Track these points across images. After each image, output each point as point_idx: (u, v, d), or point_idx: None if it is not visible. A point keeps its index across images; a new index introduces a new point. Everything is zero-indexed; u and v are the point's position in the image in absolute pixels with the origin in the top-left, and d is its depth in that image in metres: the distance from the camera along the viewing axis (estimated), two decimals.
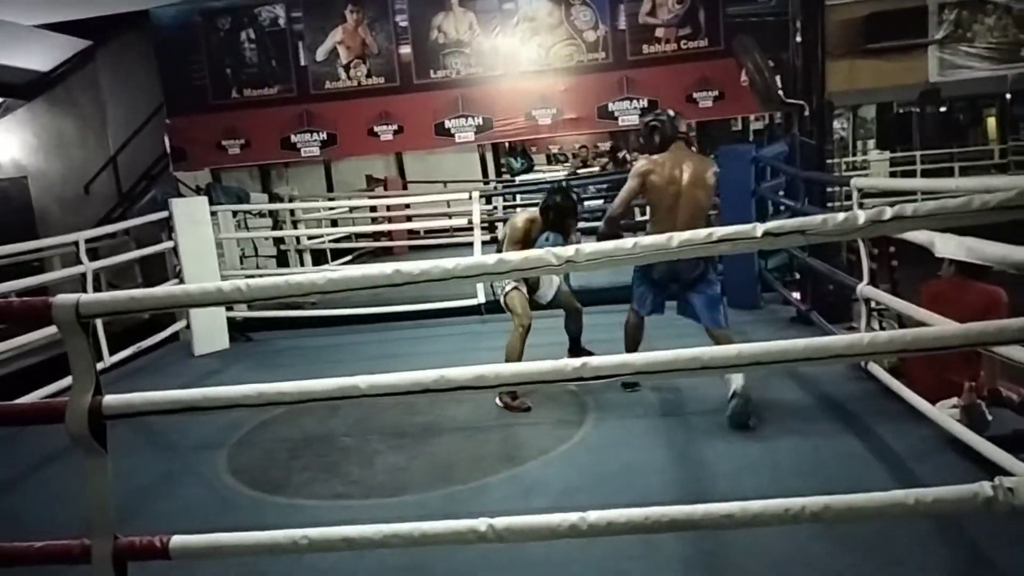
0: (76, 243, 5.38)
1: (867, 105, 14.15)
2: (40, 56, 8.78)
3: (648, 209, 4.43)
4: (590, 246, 1.72)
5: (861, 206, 3.95)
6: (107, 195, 9.12)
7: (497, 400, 4.12)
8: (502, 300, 4.28)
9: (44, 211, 9.40)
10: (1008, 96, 12.05)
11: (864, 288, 3.92)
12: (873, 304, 3.99)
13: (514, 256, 1.76)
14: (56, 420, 1.81)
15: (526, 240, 4.20)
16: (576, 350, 4.53)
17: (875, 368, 3.84)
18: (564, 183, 4.74)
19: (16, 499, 3.61)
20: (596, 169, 12.68)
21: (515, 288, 4.24)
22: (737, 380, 3.58)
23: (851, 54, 7.40)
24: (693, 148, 4.37)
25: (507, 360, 3.99)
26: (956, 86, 8.51)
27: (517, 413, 4.05)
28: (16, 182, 9.42)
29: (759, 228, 1.64)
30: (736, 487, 2.94)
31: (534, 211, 4.33)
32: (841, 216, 1.62)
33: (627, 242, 1.70)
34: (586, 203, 10.57)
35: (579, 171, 12.78)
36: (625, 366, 1.74)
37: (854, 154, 14.49)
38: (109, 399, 1.80)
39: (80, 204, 9.12)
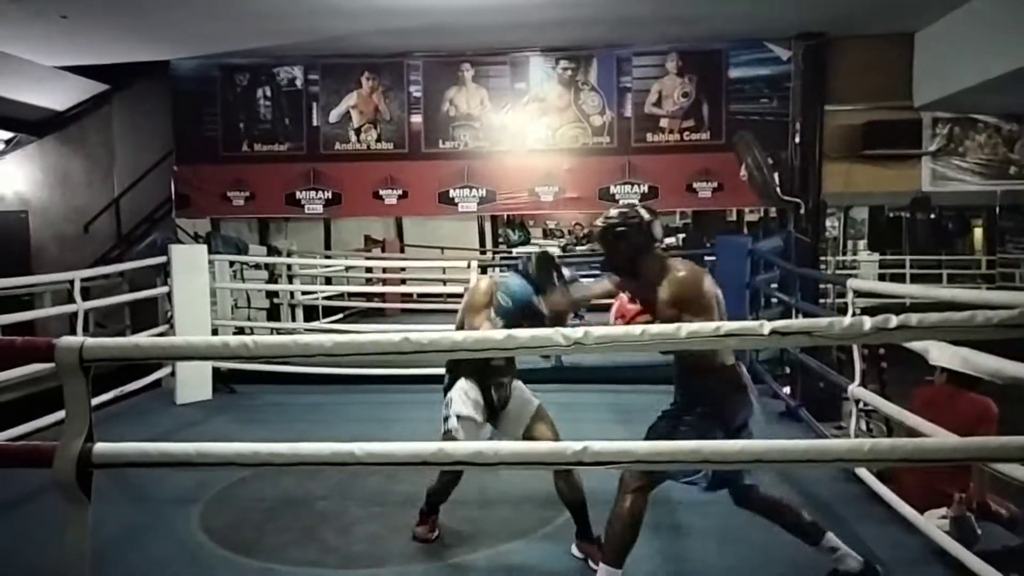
0: (71, 282, 5.35)
1: (859, 207, 14.50)
2: (56, 95, 8.95)
3: None
4: (599, 330, 1.73)
5: (855, 306, 4.00)
6: (106, 235, 9.14)
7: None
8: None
9: (41, 247, 9.39)
10: (996, 209, 12.43)
11: (855, 389, 3.93)
12: (863, 405, 4.00)
13: (523, 334, 1.77)
14: (43, 464, 1.77)
15: (489, 306, 3.15)
16: (585, 533, 3.23)
17: (863, 471, 3.82)
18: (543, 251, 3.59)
19: None
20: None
21: (466, 418, 3.14)
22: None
23: (848, 158, 7.65)
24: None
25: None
26: (947, 196, 8.77)
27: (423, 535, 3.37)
28: (15, 215, 9.44)
29: (767, 326, 1.66)
30: None
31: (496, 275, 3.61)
32: (847, 321, 1.65)
33: (636, 329, 1.72)
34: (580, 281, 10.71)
35: (576, 247, 12.96)
36: (626, 454, 1.73)
37: (844, 253, 14.76)
38: (100, 447, 1.77)
39: (78, 242, 9.12)
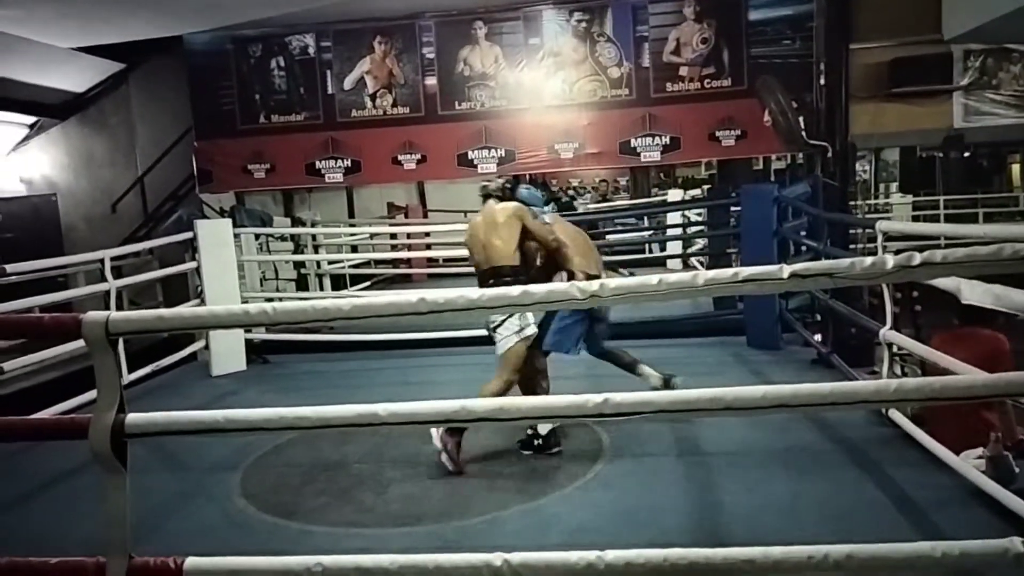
0: (101, 261, 5.46)
1: (890, 148, 14.12)
2: (75, 77, 9.00)
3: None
4: (614, 281, 1.72)
5: (885, 250, 3.92)
6: (133, 214, 9.26)
7: (436, 441, 3.66)
8: (501, 345, 3.76)
9: (71, 228, 9.56)
10: None
11: (887, 332, 3.87)
12: (896, 349, 3.94)
13: (539, 289, 1.76)
14: (79, 436, 1.82)
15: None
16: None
17: (896, 415, 3.78)
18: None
19: (30, 514, 3.62)
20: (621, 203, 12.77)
21: (523, 340, 3.75)
22: (654, 378, 4.07)
23: (876, 98, 7.40)
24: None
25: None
26: (980, 132, 8.48)
27: (452, 466, 3.66)
28: (45, 199, 9.60)
29: (786, 269, 1.63)
30: (755, 531, 2.88)
31: (506, 205, 3.89)
32: (869, 260, 1.62)
33: (652, 278, 1.70)
34: (608, 237, 10.63)
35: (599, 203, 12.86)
36: (647, 404, 1.73)
37: (876, 197, 14.43)
38: (132, 418, 1.81)
39: (107, 222, 9.25)
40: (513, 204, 3.93)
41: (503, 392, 3.72)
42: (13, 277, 5.07)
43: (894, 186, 15.12)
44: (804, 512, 3.08)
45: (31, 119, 9.42)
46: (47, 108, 9.26)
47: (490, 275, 3.79)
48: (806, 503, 3.16)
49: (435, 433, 3.63)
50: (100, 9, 7.17)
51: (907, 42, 7.35)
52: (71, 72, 8.84)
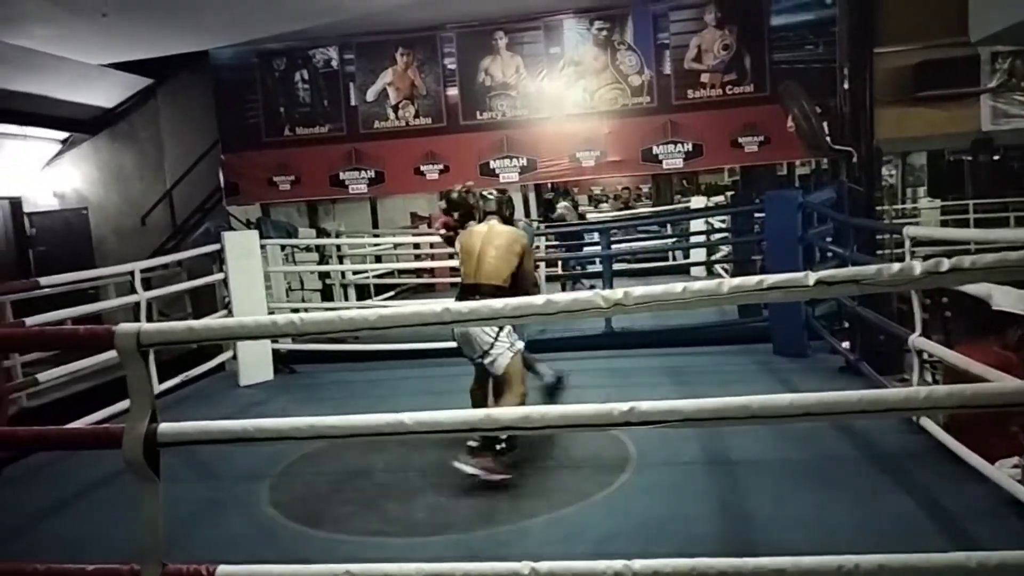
0: (132, 273, 5.55)
1: (917, 152, 13.92)
2: (105, 93, 9.20)
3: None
4: (640, 289, 1.72)
5: (913, 255, 3.88)
6: (162, 227, 9.41)
7: (465, 466, 3.59)
8: (500, 363, 3.75)
9: (102, 241, 9.74)
10: None
11: (916, 339, 3.82)
12: (926, 356, 3.88)
13: (562, 297, 1.77)
14: (113, 446, 1.85)
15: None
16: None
17: (928, 423, 3.72)
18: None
19: (66, 521, 3.69)
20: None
21: (516, 353, 3.80)
22: (547, 375, 4.15)
23: (901, 101, 7.31)
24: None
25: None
26: (1010, 135, 8.33)
27: (494, 479, 3.61)
28: (77, 212, 9.80)
29: (812, 276, 1.62)
30: (784, 541, 2.86)
31: (518, 233, 3.98)
32: (896, 266, 1.60)
33: (677, 286, 1.70)
34: (632, 245, 10.61)
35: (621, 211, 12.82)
36: (673, 413, 1.72)
37: (903, 202, 14.23)
38: (164, 427, 1.84)
39: (136, 235, 9.42)
40: (523, 234, 4.03)
41: (520, 405, 3.72)
42: (47, 289, 5.17)
43: (922, 190, 14.90)
44: (833, 522, 3.04)
45: (63, 135, 9.63)
46: (79, 123, 9.46)
47: (476, 290, 3.77)
48: (835, 513, 3.13)
49: (469, 468, 3.57)
50: (128, 26, 7.32)
51: (933, 45, 7.25)
52: (102, 88, 9.04)
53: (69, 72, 8.24)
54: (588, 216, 12.57)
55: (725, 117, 7.86)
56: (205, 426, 1.87)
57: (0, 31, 7.02)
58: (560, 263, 10.02)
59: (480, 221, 4.07)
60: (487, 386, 4.04)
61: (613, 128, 8.05)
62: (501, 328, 3.70)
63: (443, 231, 4.39)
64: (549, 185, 12.65)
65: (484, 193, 4.17)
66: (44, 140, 9.53)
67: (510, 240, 3.87)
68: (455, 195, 4.29)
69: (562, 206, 11.05)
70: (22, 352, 6.00)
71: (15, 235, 9.81)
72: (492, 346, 3.72)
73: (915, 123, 7.42)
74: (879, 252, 6.51)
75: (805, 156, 8.65)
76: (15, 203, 9.80)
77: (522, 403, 3.75)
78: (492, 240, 3.86)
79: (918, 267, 1.56)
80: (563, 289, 9.18)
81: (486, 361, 3.77)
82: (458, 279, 4.02)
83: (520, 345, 3.84)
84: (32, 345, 4.83)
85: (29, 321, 4.59)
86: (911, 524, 2.96)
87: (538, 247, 9.76)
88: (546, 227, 9.88)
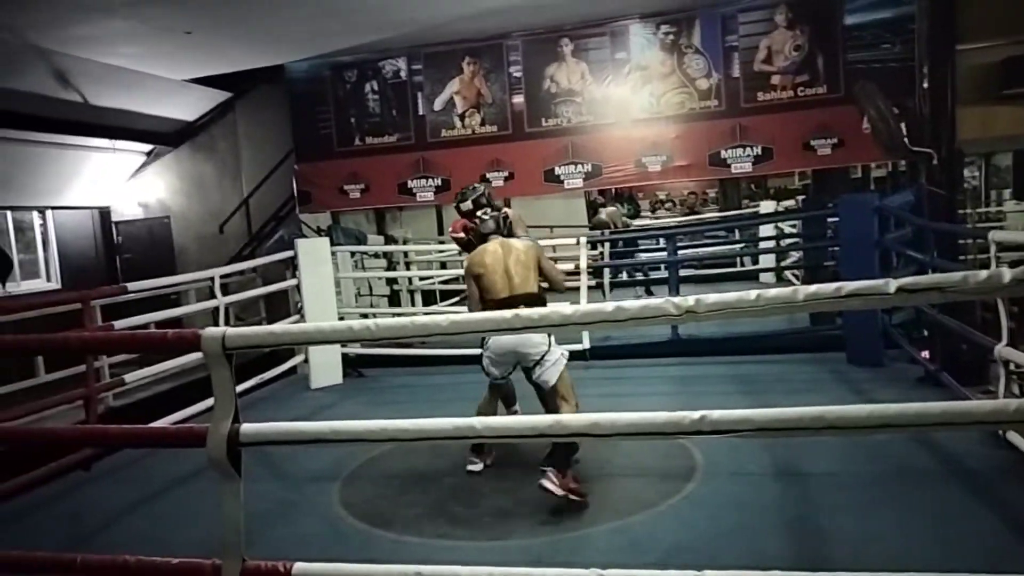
0: (212, 279, 5.79)
1: (1002, 153, 13.26)
2: (187, 107, 9.65)
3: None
4: (712, 297, 1.70)
5: (999, 261, 3.70)
6: (239, 234, 9.79)
7: (548, 483, 3.39)
8: (551, 373, 3.72)
9: (183, 248, 10.19)
10: None
11: (1003, 349, 3.64)
12: (1013, 367, 3.70)
13: (632, 305, 1.76)
14: (198, 444, 1.94)
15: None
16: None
17: (1016, 437, 3.54)
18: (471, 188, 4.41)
19: (151, 516, 3.87)
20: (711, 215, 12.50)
21: (564, 364, 3.81)
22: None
23: (985, 100, 6.99)
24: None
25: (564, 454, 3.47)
26: None
27: (574, 499, 3.43)
28: (159, 221, 10.29)
29: (893, 284, 1.58)
30: (859, 556, 2.76)
31: (530, 244, 3.99)
32: (984, 273, 1.54)
33: (751, 293, 1.67)
34: (700, 251, 10.43)
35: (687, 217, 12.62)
36: (745, 422, 1.70)
37: (987, 205, 13.57)
38: (246, 427, 1.92)
39: (215, 242, 9.83)
40: (532, 242, 4.06)
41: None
42: (133, 294, 5.44)
43: (1007, 192, 14.18)
44: (912, 540, 2.92)
45: (148, 147, 10.14)
46: (162, 136, 9.95)
47: (512, 303, 3.76)
48: (915, 530, 3.00)
49: (552, 486, 3.43)
50: (210, 42, 7.66)
51: (1019, 40, 6.92)
52: (184, 102, 9.48)
53: (154, 88, 8.68)
54: (638, 224, 12.27)
55: (796, 119, 7.67)
56: (284, 427, 1.94)
57: (91, 50, 7.45)
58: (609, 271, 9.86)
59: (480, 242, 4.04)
60: (496, 404, 4.10)
61: (680, 132, 7.96)
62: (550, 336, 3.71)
63: (461, 235, 4.38)
64: (613, 191, 12.57)
65: (480, 215, 4.12)
66: (130, 152, 10.05)
67: (526, 250, 3.92)
68: (494, 225, 4.05)
69: (608, 211, 10.84)
70: (111, 354, 6.32)
71: (104, 243, 10.36)
72: (547, 353, 3.71)
73: (1001, 122, 7.08)
74: (961, 258, 6.24)
75: (881, 159, 8.37)
76: (104, 213, 10.35)
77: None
78: (510, 254, 3.89)
79: (1007, 274, 1.50)
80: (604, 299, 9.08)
81: (537, 373, 3.75)
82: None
83: (566, 355, 3.83)
84: (124, 348, 5.10)
85: (117, 324, 4.84)
86: (998, 543, 2.82)
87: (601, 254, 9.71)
88: (611, 232, 9.79)
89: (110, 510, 3.93)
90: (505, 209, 4.40)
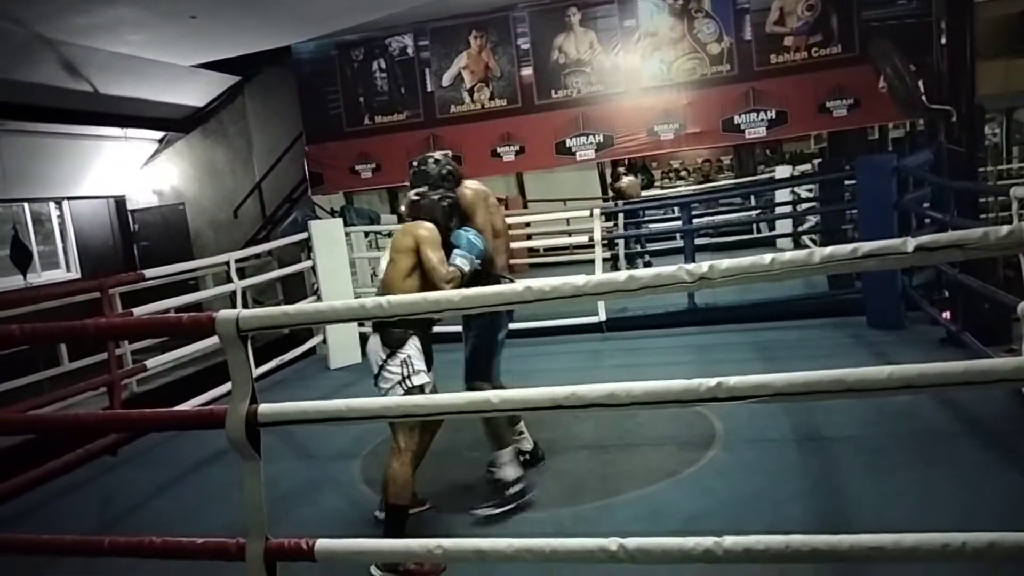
0: (227, 263, 5.83)
1: None
2: (196, 92, 9.64)
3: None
4: (726, 262, 1.67)
5: (1021, 218, 3.63)
6: (253, 218, 9.83)
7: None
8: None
9: (199, 234, 10.25)
10: None
11: None
12: None
13: (645, 273, 1.74)
14: (217, 426, 1.96)
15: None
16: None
17: None
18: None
19: (176, 497, 3.94)
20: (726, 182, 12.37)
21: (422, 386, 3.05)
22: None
23: (1007, 54, 6.82)
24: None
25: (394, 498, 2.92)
26: None
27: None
28: (174, 208, 10.35)
29: (910, 243, 1.54)
30: (882, 519, 2.76)
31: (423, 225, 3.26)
32: (1005, 229, 1.50)
33: (765, 258, 1.64)
34: (715, 218, 10.35)
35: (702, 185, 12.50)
36: (763, 387, 1.68)
37: (1009, 162, 13.31)
38: (264, 407, 1.93)
39: (230, 227, 9.88)
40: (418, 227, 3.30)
41: (410, 465, 3.13)
42: (151, 281, 5.49)
43: None
44: (937, 500, 2.91)
45: (160, 134, 10.16)
46: (173, 123, 9.96)
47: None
48: (939, 490, 2.99)
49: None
50: (215, 27, 7.63)
51: None
52: (193, 88, 9.47)
53: (162, 74, 8.67)
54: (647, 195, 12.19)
55: (811, 81, 7.52)
56: (302, 406, 1.95)
57: (98, 39, 7.45)
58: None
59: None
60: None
61: (692, 99, 7.84)
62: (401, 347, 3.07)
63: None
64: (626, 161, 12.46)
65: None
66: (142, 140, 10.08)
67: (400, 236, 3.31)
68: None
69: (628, 180, 10.77)
70: (132, 340, 6.40)
71: (121, 231, 10.44)
72: (383, 369, 3.10)
73: (1022, 76, 6.92)
74: (982, 216, 6.13)
75: (899, 118, 8.21)
76: (120, 201, 10.42)
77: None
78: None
79: None
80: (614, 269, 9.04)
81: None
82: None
83: (423, 379, 3.06)
84: (141, 333, 5.16)
85: (136, 311, 4.89)
86: (1021, 502, 2.80)
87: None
88: (623, 203, 9.72)
89: (137, 493, 4.01)
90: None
